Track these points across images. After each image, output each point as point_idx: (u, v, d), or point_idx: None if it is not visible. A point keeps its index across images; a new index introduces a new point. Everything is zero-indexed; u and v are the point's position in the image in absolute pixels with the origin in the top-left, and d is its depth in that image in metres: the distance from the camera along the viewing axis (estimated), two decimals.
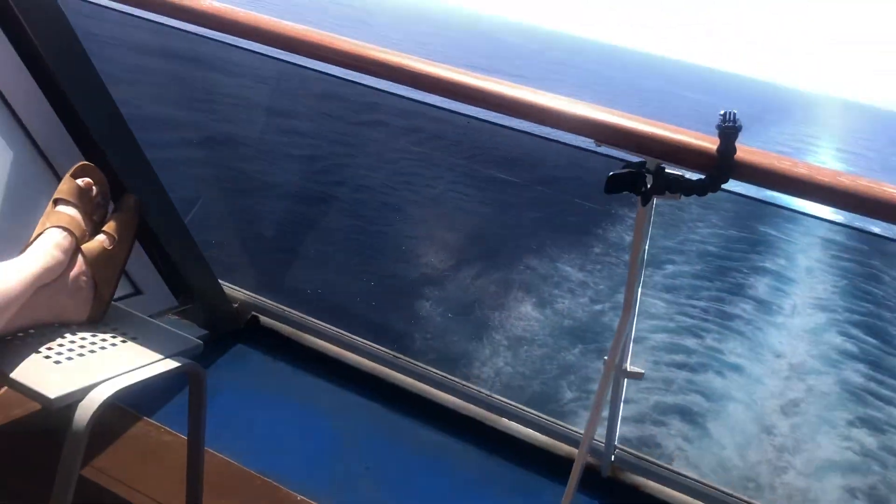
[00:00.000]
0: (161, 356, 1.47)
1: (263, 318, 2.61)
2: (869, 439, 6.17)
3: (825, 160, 44.86)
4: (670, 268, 8.72)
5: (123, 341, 1.51)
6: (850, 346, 7.96)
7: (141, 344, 1.51)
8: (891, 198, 1.25)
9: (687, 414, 6.02)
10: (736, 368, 7.00)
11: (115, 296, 1.64)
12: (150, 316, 1.72)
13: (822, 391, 7.00)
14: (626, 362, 1.88)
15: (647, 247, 1.75)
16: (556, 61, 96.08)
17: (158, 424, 2.00)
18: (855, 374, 7.36)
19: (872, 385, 7.13)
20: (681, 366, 6.70)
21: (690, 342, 7.16)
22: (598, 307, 7.14)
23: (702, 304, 8.17)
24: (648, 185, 1.47)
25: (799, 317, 8.77)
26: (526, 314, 6.35)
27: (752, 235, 10.83)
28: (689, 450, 5.63)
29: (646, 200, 1.51)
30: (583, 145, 1.61)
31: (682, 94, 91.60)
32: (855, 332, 8.38)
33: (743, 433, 6.00)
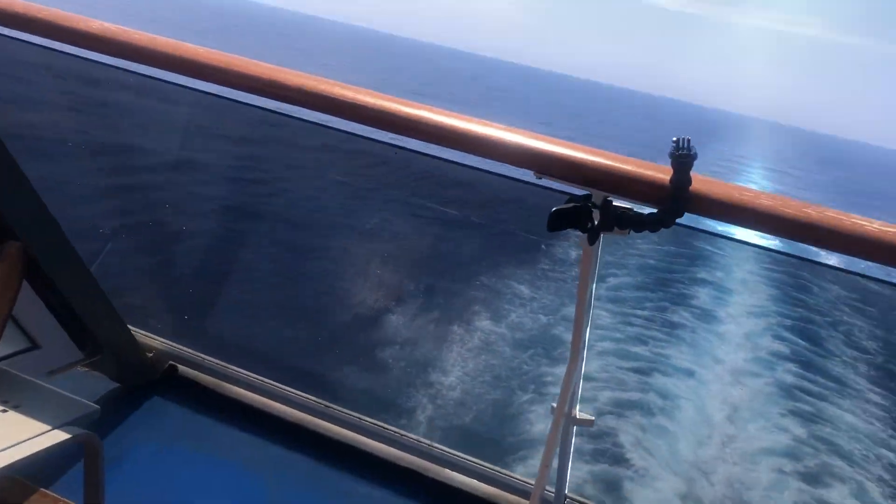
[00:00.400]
0: (49, 427, 1.27)
1: (182, 368, 2.37)
2: (800, 430, 6.35)
3: (755, 178, 46.23)
4: (612, 280, 8.82)
5: (4, 410, 1.29)
6: (783, 348, 8.20)
7: (26, 413, 1.29)
8: (861, 231, 1.11)
9: (641, 409, 6.14)
10: (681, 371, 7.13)
11: (4, 353, 1.44)
12: (50, 371, 1.52)
13: (760, 388, 7.21)
14: (576, 409, 1.73)
15: (594, 287, 1.57)
16: (495, 87, 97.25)
17: (56, 496, 1.72)
18: (787, 373, 7.58)
19: (804, 382, 7.35)
20: (629, 370, 6.76)
21: (638, 349, 7.24)
22: (545, 319, 7.09)
23: (646, 313, 8.29)
24: (595, 221, 1.31)
25: (736, 323, 8.97)
26: (470, 349, 5.97)
27: (690, 250, 11.02)
28: (644, 440, 5.73)
29: (593, 239, 1.35)
30: (523, 177, 1.45)
31: (619, 119, 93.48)
32: (788, 335, 8.63)
33: (689, 428, 6.13)
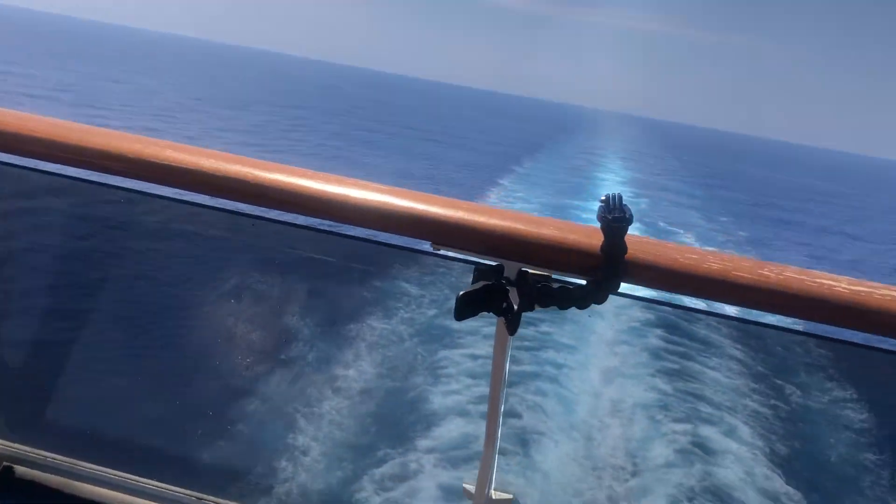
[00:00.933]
0: None
1: (19, 469, 2.00)
2: (669, 386, 7.02)
3: (613, 168, 48.57)
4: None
5: None
6: (651, 316, 8.85)
7: None
8: (829, 293, 0.99)
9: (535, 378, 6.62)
10: (564, 346, 7.68)
11: None
12: None
13: (632, 354, 7.86)
14: (491, 488, 1.56)
15: (508, 367, 1.35)
16: (350, 94, 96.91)
17: None
18: (656, 338, 8.25)
19: (670, 346, 8.00)
20: (517, 349, 7.15)
21: (524, 330, 7.65)
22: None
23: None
24: (515, 304, 1.10)
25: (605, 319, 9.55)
26: (352, 408, 5.43)
27: None
28: (540, 404, 6.16)
29: (514, 327, 1.13)
30: (416, 245, 1.21)
31: (478, 120, 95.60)
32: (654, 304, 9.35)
33: (574, 394, 6.70)
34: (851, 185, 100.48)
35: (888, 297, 0.99)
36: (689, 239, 25.96)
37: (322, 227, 1.47)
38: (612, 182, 39.96)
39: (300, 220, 1.27)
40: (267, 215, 1.39)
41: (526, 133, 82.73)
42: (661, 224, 28.21)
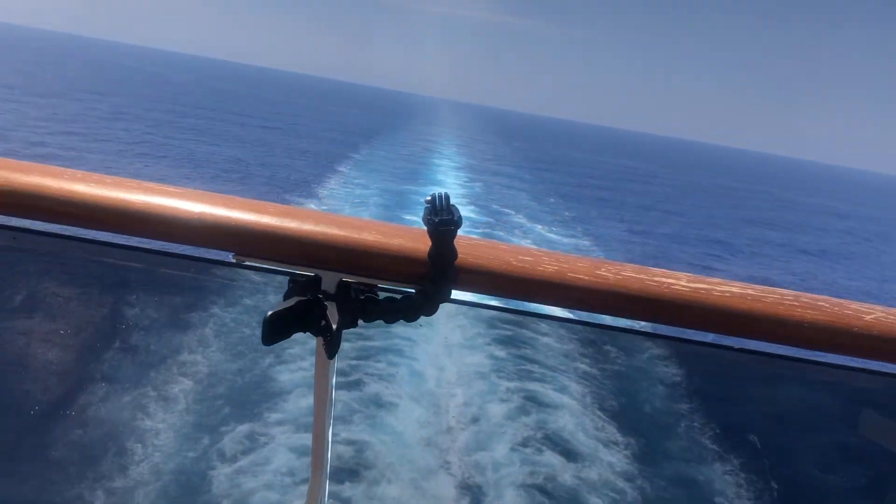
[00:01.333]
0: None
1: None
2: (504, 352, 7.44)
3: (448, 154, 49.56)
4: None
5: None
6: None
7: None
8: (669, 293, 0.96)
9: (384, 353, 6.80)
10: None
11: None
12: None
13: (467, 324, 8.18)
14: None
15: (334, 389, 1.20)
16: (175, 82, 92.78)
17: None
18: (489, 310, 8.65)
19: (504, 314, 8.39)
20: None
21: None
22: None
23: None
24: (334, 322, 0.96)
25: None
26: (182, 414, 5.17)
27: None
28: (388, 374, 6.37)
29: (332, 349, 0.97)
30: (217, 256, 1.05)
31: (325, 109, 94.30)
32: None
33: (422, 362, 6.95)
34: (668, 166, 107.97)
35: (727, 294, 0.97)
36: (520, 219, 27.00)
37: (94, 238, 1.21)
38: (448, 168, 40.80)
39: (70, 230, 1.03)
40: (30, 226, 1.13)
41: (362, 120, 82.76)
42: (495, 206, 29.14)
